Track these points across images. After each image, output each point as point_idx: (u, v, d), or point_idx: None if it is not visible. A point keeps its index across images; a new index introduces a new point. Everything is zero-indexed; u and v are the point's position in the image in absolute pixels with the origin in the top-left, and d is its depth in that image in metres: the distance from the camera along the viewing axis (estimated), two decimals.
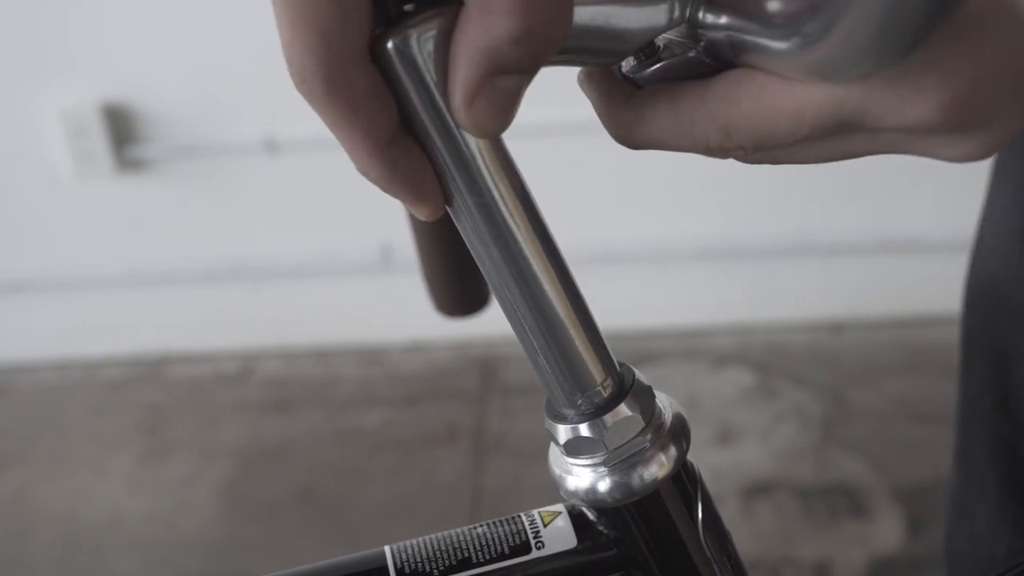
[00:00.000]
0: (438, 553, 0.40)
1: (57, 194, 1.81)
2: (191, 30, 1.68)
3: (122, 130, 1.75)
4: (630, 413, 0.38)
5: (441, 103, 0.31)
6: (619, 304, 1.83)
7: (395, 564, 0.40)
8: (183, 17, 1.67)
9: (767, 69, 0.32)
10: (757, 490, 1.56)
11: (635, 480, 0.38)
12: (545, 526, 0.41)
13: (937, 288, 1.62)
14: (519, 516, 0.42)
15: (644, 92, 0.35)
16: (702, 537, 0.41)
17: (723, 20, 0.32)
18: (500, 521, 0.41)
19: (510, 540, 0.41)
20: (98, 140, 1.74)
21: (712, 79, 0.33)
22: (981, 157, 0.32)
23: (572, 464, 0.39)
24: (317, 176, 1.73)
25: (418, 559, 0.40)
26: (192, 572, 1.54)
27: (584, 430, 0.38)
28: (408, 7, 0.30)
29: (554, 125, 1.54)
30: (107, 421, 1.84)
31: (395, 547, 0.41)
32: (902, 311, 1.83)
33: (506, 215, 0.34)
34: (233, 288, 1.89)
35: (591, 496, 0.39)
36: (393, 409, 1.79)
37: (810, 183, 1.74)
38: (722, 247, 1.81)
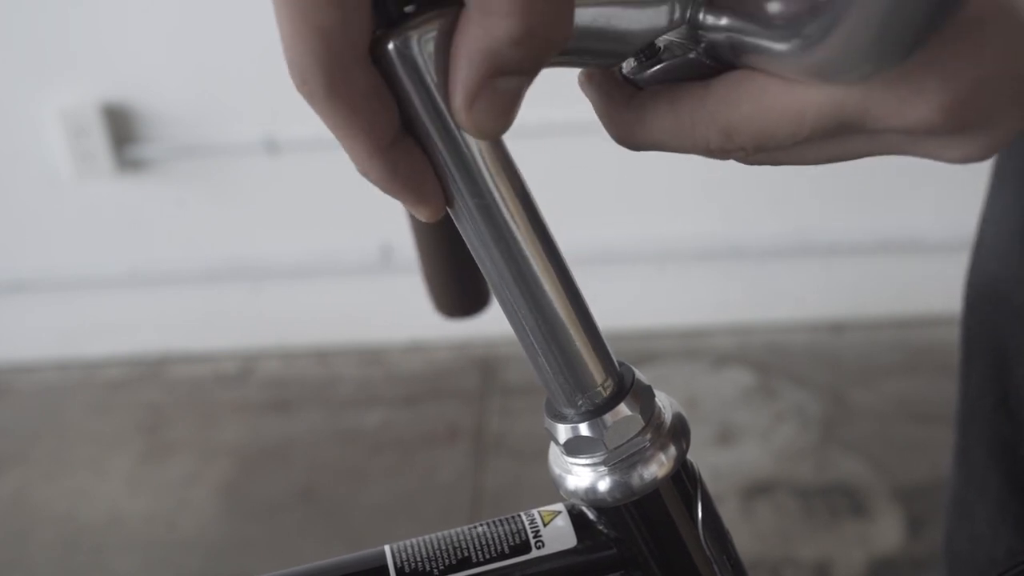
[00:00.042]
0: (438, 552, 0.40)
1: (57, 194, 1.81)
2: (191, 30, 1.68)
3: (122, 130, 1.75)
4: (630, 413, 0.38)
5: (442, 104, 0.31)
6: (619, 304, 1.83)
7: (395, 564, 0.40)
8: (183, 17, 1.67)
9: (767, 70, 0.32)
10: (757, 490, 1.56)
11: (635, 479, 0.38)
12: (545, 525, 0.41)
13: (937, 288, 1.62)
14: (519, 516, 0.42)
15: (645, 93, 0.35)
16: (702, 537, 0.41)
17: (723, 21, 0.32)
18: (500, 520, 0.41)
19: (510, 539, 0.41)
20: (98, 140, 1.74)
21: (712, 80, 0.33)
22: (981, 158, 0.32)
23: (572, 463, 0.39)
24: (317, 176, 1.73)
25: (418, 558, 0.40)
26: (192, 572, 1.54)
27: (584, 429, 0.38)
28: (409, 8, 0.30)
29: (554, 125, 1.54)
30: (107, 421, 1.84)
31: (395, 547, 0.41)
32: (902, 311, 1.83)
33: (507, 216, 0.34)
34: (233, 288, 1.89)
35: (591, 495, 0.39)
36: (393, 409, 1.79)
37: (810, 183, 1.74)
38: (722, 247, 1.81)
